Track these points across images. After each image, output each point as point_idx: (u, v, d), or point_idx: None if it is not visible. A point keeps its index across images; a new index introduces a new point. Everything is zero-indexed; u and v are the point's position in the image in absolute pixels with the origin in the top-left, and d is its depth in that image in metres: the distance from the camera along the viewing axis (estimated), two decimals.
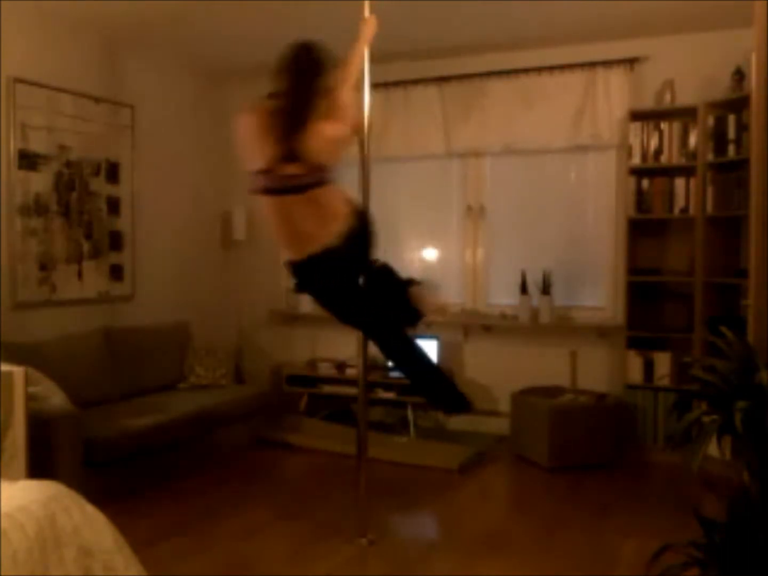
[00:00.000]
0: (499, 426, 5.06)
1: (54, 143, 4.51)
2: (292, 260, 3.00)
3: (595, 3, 4.18)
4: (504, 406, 5.02)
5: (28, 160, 4.37)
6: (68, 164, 4.61)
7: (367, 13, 3.22)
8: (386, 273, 3.22)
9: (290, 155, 2.82)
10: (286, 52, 2.92)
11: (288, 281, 5.81)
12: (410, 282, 3.22)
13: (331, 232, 2.87)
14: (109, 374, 4.54)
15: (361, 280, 3.14)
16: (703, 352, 4.31)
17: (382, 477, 4.08)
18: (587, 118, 4.90)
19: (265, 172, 2.88)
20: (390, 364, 3.56)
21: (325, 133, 2.84)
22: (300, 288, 3.11)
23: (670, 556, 2.18)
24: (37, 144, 4.42)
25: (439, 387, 3.32)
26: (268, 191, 2.91)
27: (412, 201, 5.53)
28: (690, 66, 4.66)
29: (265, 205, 2.95)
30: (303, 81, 2.89)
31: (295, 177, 2.84)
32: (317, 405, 5.48)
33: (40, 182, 4.45)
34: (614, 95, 4.83)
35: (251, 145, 2.92)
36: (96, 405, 4.21)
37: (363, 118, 3.13)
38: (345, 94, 2.97)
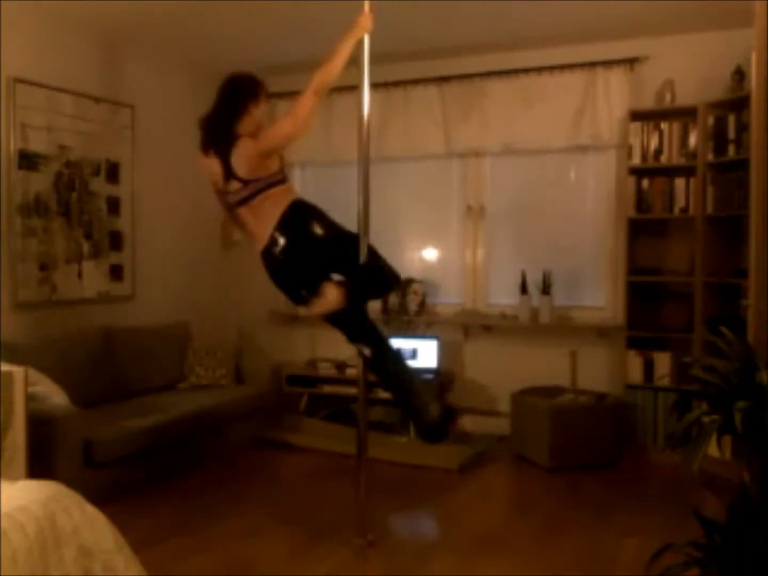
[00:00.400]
0: (499, 426, 5.05)
1: (54, 143, 4.51)
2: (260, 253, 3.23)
3: (595, 3, 4.18)
4: (504, 406, 5.02)
5: (28, 160, 4.37)
6: (68, 164, 4.61)
7: (366, 8, 3.22)
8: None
9: (228, 174, 3.11)
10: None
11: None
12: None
13: (266, 233, 3.13)
14: (109, 374, 4.54)
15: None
16: (703, 352, 4.31)
17: (382, 477, 4.08)
18: (587, 118, 4.90)
19: (220, 192, 3.22)
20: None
21: (247, 151, 3.07)
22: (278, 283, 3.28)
23: (670, 556, 2.18)
24: (37, 144, 4.42)
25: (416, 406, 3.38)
26: (228, 208, 3.27)
27: (412, 201, 5.53)
28: (690, 66, 4.66)
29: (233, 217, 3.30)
30: (220, 108, 3.21)
31: (235, 193, 3.14)
32: (317, 405, 5.48)
33: (40, 182, 4.45)
34: (614, 95, 4.83)
35: (209, 172, 3.20)
36: (96, 405, 4.21)
37: (306, 115, 3.11)
38: (308, 93, 3.07)
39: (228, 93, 3.20)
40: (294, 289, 3.25)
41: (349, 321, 3.27)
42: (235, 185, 3.12)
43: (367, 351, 3.27)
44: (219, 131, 3.16)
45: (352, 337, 3.32)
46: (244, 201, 3.14)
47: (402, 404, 3.61)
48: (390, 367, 3.34)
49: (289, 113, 3.11)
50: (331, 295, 3.09)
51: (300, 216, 3.17)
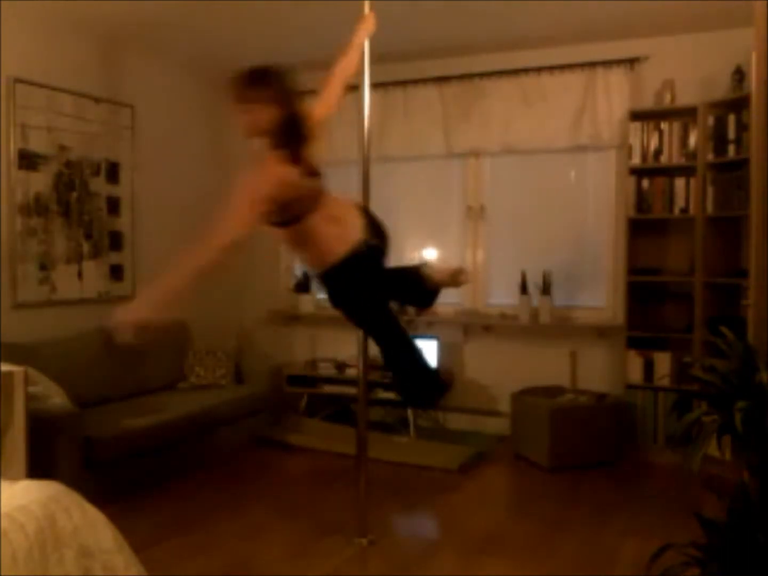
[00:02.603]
0: (499, 426, 5.06)
1: (54, 143, 4.51)
2: (318, 273, 2.93)
3: (595, 3, 4.17)
4: (504, 406, 5.02)
5: (28, 160, 4.37)
6: (68, 164, 4.61)
7: (367, 9, 3.23)
8: (398, 270, 3.21)
9: (309, 172, 2.72)
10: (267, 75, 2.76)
11: (288, 281, 5.84)
12: (418, 266, 3.23)
13: (357, 230, 2.81)
14: (109, 374, 4.53)
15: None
16: (703, 352, 4.31)
17: (382, 477, 4.08)
18: (587, 118, 4.90)
19: (294, 201, 2.69)
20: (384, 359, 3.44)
21: (317, 142, 2.80)
22: (332, 293, 2.96)
23: (670, 556, 2.18)
24: (37, 144, 4.42)
25: (418, 380, 3.12)
26: (295, 218, 2.74)
27: (412, 201, 5.53)
28: (690, 66, 4.66)
29: (287, 234, 2.82)
30: (288, 101, 2.71)
31: (313, 193, 2.75)
32: (317, 405, 5.48)
33: (40, 182, 4.45)
34: (614, 95, 4.83)
35: (292, 185, 2.67)
36: (96, 405, 4.21)
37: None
38: (333, 81, 3.02)
39: (287, 87, 2.73)
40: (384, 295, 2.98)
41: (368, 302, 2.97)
42: (309, 186, 2.73)
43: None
44: (298, 128, 2.71)
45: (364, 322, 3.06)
46: (317, 201, 2.76)
47: (397, 364, 3.16)
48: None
49: (320, 98, 2.97)
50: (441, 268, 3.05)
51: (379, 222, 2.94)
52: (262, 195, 2.55)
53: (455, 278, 3.16)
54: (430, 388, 3.13)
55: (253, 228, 2.56)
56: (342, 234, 2.78)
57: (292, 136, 2.65)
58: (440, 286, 3.13)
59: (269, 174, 2.60)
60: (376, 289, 2.92)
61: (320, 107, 2.99)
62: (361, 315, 3.00)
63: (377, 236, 2.89)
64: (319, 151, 2.84)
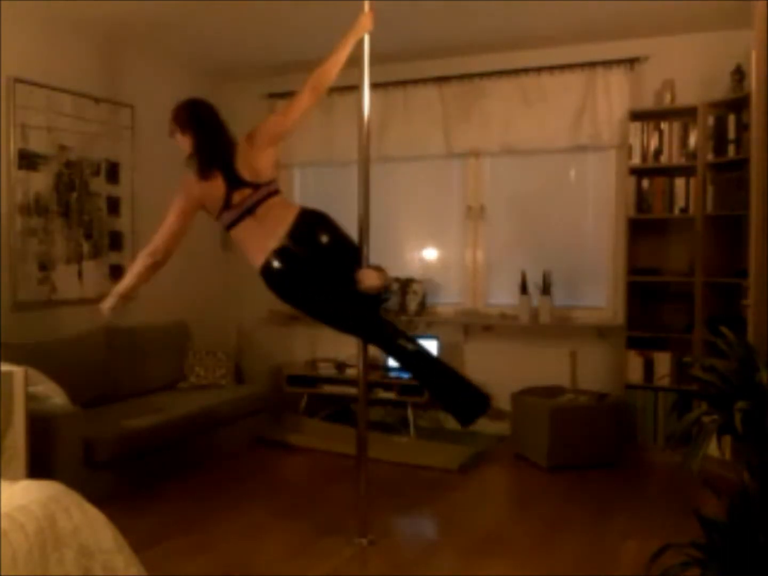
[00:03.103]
0: (499, 426, 5.06)
1: (54, 143, 4.51)
2: (260, 268, 3.10)
3: (595, 3, 4.18)
4: (504, 406, 5.02)
5: (28, 160, 4.37)
6: (68, 164, 4.61)
7: (367, 8, 3.22)
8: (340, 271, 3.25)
9: (233, 185, 3.08)
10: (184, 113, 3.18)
11: None
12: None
13: (277, 237, 3.04)
14: (109, 374, 4.54)
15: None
16: (703, 352, 4.31)
17: (382, 477, 4.08)
18: (587, 118, 4.90)
19: (223, 209, 3.12)
20: (396, 365, 3.65)
21: (249, 153, 3.09)
22: (280, 294, 3.17)
23: (670, 556, 2.18)
24: (37, 144, 4.42)
25: (454, 390, 3.29)
26: (232, 224, 3.15)
27: (412, 201, 5.53)
28: (690, 66, 4.66)
29: (233, 236, 3.21)
30: (213, 128, 3.14)
31: (239, 204, 3.09)
32: (317, 405, 5.48)
33: (40, 182, 4.45)
34: (614, 95, 4.83)
35: (207, 197, 3.14)
36: (96, 405, 4.21)
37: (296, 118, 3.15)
38: (305, 91, 3.12)
39: (209, 114, 3.18)
40: (310, 296, 3.15)
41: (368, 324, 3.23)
42: (239, 196, 3.07)
43: (410, 346, 3.20)
44: (219, 147, 3.11)
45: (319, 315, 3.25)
46: (249, 211, 3.08)
47: (440, 388, 3.35)
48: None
49: (282, 110, 3.19)
50: (368, 270, 3.13)
51: (310, 224, 3.11)
52: (177, 207, 3.18)
53: (376, 278, 3.15)
54: (474, 403, 3.30)
55: (181, 233, 3.24)
56: (264, 242, 3.05)
57: (205, 157, 3.10)
58: (371, 290, 3.13)
59: (180, 190, 3.19)
60: (310, 293, 3.12)
61: (282, 118, 3.17)
62: (321, 316, 3.21)
63: (307, 242, 3.04)
64: (266, 162, 3.13)
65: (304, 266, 3.06)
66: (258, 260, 3.06)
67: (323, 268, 3.10)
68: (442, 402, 3.54)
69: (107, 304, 3.24)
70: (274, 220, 3.06)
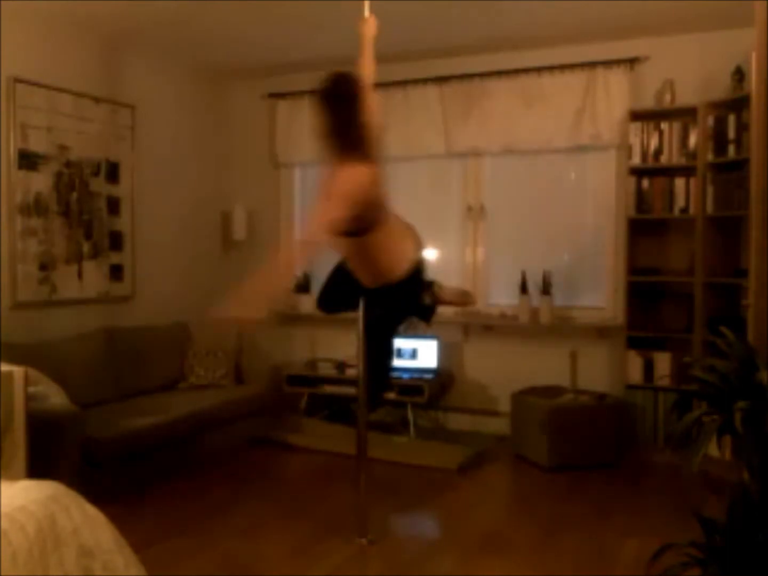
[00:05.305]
0: (499, 426, 5.05)
1: (54, 143, 4.51)
2: (371, 287, 2.99)
3: (595, 3, 4.18)
4: (504, 406, 5.02)
5: (28, 160, 4.37)
6: (68, 164, 4.61)
7: (366, 13, 3.23)
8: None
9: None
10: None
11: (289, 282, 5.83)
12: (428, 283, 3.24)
13: (404, 265, 2.89)
14: (109, 374, 4.54)
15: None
16: (703, 352, 4.31)
17: (382, 477, 4.08)
18: (587, 118, 4.90)
19: (374, 208, 2.74)
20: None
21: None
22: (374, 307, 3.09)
23: (670, 556, 2.18)
24: (37, 144, 4.42)
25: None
26: (369, 227, 2.78)
27: (412, 201, 5.51)
28: (690, 66, 4.66)
29: (353, 244, 2.85)
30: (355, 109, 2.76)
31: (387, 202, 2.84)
32: (317, 405, 5.48)
33: (40, 182, 4.45)
34: (614, 95, 4.83)
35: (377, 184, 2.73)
36: (96, 405, 4.21)
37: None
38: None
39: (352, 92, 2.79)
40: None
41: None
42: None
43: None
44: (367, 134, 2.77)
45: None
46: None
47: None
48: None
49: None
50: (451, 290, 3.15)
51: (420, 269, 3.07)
52: (356, 194, 2.59)
53: (464, 300, 3.19)
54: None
55: (339, 227, 2.59)
56: (405, 252, 2.87)
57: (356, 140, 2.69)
58: (446, 304, 3.16)
59: (364, 174, 2.64)
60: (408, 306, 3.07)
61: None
62: (393, 329, 3.21)
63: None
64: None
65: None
66: (401, 266, 2.87)
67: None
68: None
69: (261, 312, 2.52)
70: (405, 231, 2.93)
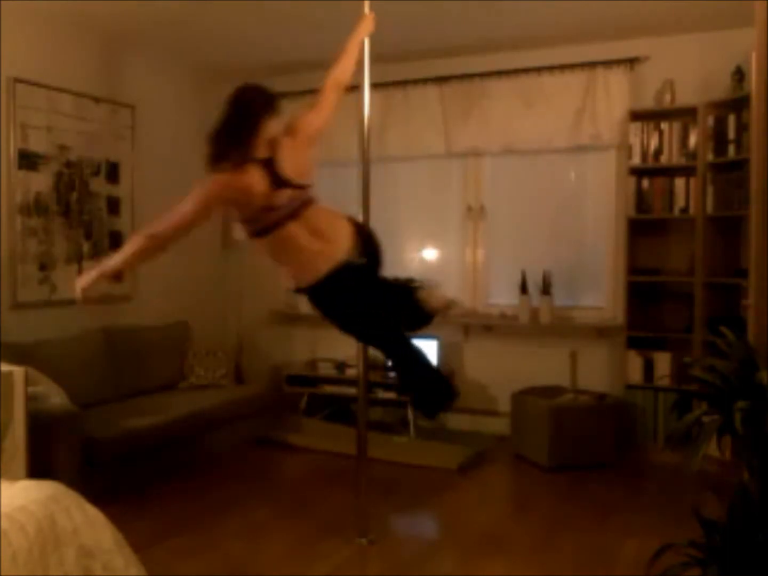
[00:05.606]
0: (499, 426, 5.05)
1: (54, 143, 4.51)
2: (305, 286, 2.90)
3: (595, 3, 4.18)
4: (504, 406, 5.02)
5: (28, 160, 4.37)
6: (68, 164, 4.61)
7: (367, 11, 3.23)
8: (392, 283, 3.13)
9: (276, 183, 2.73)
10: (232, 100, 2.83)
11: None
12: (414, 285, 3.16)
13: (343, 247, 2.80)
14: (109, 374, 4.54)
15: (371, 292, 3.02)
16: (703, 352, 4.31)
17: (382, 477, 4.07)
18: (587, 118, 4.90)
19: (262, 211, 2.76)
20: (390, 363, 3.47)
21: (295, 148, 2.81)
22: (321, 309, 2.96)
23: (670, 556, 2.18)
24: (37, 144, 4.42)
25: (430, 385, 3.12)
26: (266, 229, 2.81)
27: (412, 201, 5.53)
28: (690, 66, 4.66)
29: (263, 245, 2.89)
30: (252, 115, 2.76)
31: (286, 205, 2.76)
32: (317, 405, 5.48)
33: (40, 182, 4.45)
34: (614, 95, 4.83)
35: (248, 189, 2.74)
36: (96, 405, 4.21)
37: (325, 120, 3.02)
38: (328, 88, 2.98)
39: (256, 102, 2.79)
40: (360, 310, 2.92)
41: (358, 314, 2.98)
42: (282, 196, 2.74)
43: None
44: (250, 138, 2.73)
45: (354, 330, 3.07)
46: (293, 214, 2.76)
47: (414, 381, 3.17)
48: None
49: (314, 109, 2.96)
50: (438, 294, 3.01)
51: (367, 236, 2.94)
52: (202, 198, 2.77)
53: (446, 308, 3.12)
54: (441, 394, 3.10)
55: (194, 227, 2.78)
56: (324, 250, 2.77)
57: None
58: (432, 311, 3.09)
59: (211, 180, 2.79)
60: (366, 308, 2.89)
61: (316, 116, 2.97)
62: (358, 330, 3.01)
63: (368, 253, 2.87)
64: (308, 161, 2.89)
65: (364, 280, 2.87)
66: (311, 272, 2.79)
67: (376, 284, 2.95)
68: (410, 392, 3.40)
69: (82, 282, 2.73)
70: (331, 229, 2.83)
